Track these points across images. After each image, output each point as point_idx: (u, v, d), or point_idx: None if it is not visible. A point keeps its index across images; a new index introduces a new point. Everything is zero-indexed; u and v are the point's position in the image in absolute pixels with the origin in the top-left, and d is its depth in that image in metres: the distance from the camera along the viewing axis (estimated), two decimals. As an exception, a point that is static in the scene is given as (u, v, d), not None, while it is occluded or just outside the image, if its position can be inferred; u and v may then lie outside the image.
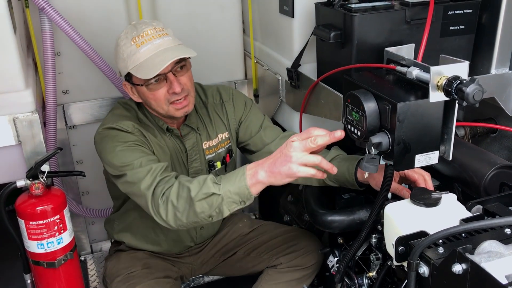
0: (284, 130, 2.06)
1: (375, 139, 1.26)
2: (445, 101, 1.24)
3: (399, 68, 1.36)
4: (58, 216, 1.76)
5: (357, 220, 1.61)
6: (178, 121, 1.87)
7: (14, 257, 1.90)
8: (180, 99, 1.72)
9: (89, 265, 2.60)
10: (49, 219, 1.74)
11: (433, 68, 1.18)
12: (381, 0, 1.63)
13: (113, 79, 2.16)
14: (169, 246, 2.04)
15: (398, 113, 1.20)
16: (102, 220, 2.48)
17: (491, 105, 1.70)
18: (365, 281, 1.63)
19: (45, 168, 1.76)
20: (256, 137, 1.95)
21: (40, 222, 1.73)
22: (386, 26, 1.55)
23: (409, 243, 1.13)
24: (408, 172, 1.53)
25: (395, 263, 1.20)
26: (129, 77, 1.74)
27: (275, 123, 2.18)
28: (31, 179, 1.73)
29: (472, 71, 1.68)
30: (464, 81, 1.14)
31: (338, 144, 1.79)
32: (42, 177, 1.74)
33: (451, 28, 1.61)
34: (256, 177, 1.41)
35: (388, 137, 1.25)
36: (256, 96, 2.53)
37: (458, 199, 1.27)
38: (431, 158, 1.29)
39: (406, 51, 1.47)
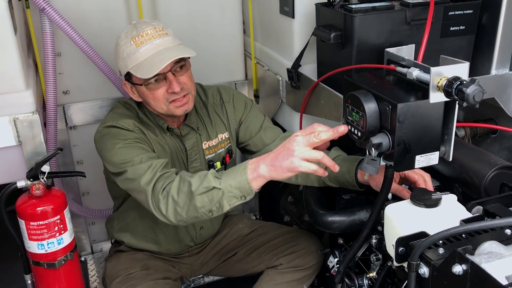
0: (284, 130, 2.06)
1: (375, 139, 1.26)
2: (445, 102, 1.24)
3: (399, 68, 1.37)
4: (58, 217, 1.76)
5: (357, 220, 1.61)
6: (178, 121, 1.87)
7: (15, 258, 1.90)
8: (179, 97, 1.72)
9: (90, 265, 2.60)
10: (49, 220, 1.74)
11: (433, 69, 1.18)
12: (382, 1, 1.63)
13: (113, 80, 2.16)
14: (168, 245, 2.04)
15: (399, 113, 1.20)
16: (103, 221, 2.49)
17: (491, 105, 1.70)
18: (365, 281, 1.63)
19: (46, 168, 1.76)
20: (256, 138, 1.95)
21: (41, 222, 1.73)
22: (386, 27, 1.55)
23: (409, 243, 1.13)
24: (408, 172, 1.53)
25: (395, 263, 1.20)
26: (128, 76, 1.75)
27: (275, 123, 2.18)
28: (31, 179, 1.73)
29: (472, 72, 1.68)
30: (464, 82, 1.14)
31: (338, 144, 1.80)
32: (42, 178, 1.74)
33: (451, 28, 1.61)
34: (257, 171, 1.41)
35: (388, 138, 1.25)
36: (256, 96, 2.53)
37: (458, 200, 1.27)
38: (431, 158, 1.29)
39: (406, 51, 1.47)
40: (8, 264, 2.70)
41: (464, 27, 1.62)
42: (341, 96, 1.64)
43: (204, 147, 1.93)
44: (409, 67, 1.33)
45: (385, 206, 1.29)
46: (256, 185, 1.43)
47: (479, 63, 1.70)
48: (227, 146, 1.99)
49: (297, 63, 1.95)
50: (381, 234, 1.48)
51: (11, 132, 1.78)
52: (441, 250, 1.05)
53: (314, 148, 1.36)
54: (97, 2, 2.16)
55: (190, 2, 2.33)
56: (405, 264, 1.14)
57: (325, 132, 1.34)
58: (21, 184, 1.74)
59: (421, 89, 1.26)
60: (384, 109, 1.25)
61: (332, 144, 1.77)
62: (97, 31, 2.16)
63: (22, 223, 1.74)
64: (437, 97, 1.20)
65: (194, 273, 2.18)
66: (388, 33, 1.56)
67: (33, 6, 1.98)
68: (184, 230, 2.02)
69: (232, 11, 2.43)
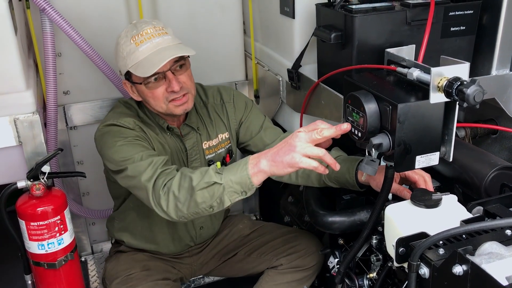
0: (284, 131, 2.06)
1: (376, 140, 1.26)
2: (446, 102, 1.24)
3: (399, 69, 1.37)
4: (58, 217, 1.76)
5: (357, 221, 1.61)
6: (178, 120, 1.87)
7: (15, 258, 1.91)
8: (179, 97, 1.72)
9: (90, 265, 2.60)
10: (49, 220, 1.74)
11: (434, 69, 1.18)
12: (382, 1, 1.63)
13: (114, 80, 2.17)
14: (168, 245, 2.04)
15: (399, 114, 1.20)
16: (103, 221, 2.49)
17: (491, 106, 1.70)
18: (366, 282, 1.63)
19: (46, 169, 1.76)
20: (256, 138, 1.95)
21: (41, 223, 1.73)
22: (386, 27, 1.55)
23: (409, 244, 1.13)
24: (408, 173, 1.53)
25: (395, 264, 1.20)
26: (128, 75, 1.75)
27: (276, 124, 2.18)
28: (31, 180, 1.73)
29: (472, 72, 1.67)
30: (465, 82, 1.14)
31: (339, 145, 1.80)
32: (42, 178, 1.74)
33: (452, 29, 1.61)
34: (258, 166, 1.41)
35: (389, 138, 1.25)
36: (256, 97, 2.53)
37: (459, 200, 1.27)
38: (432, 159, 1.29)
39: (406, 52, 1.47)
40: (8, 264, 2.70)
41: (464, 28, 1.62)
42: (342, 96, 1.64)
43: (204, 147, 1.93)
44: (409, 68, 1.33)
45: (386, 206, 1.29)
46: (257, 180, 1.43)
47: (480, 63, 1.69)
48: (227, 146, 1.99)
49: (297, 64, 1.95)
50: (381, 235, 1.48)
51: (12, 132, 1.78)
52: (441, 251, 1.05)
53: (316, 145, 1.36)
54: (97, 2, 2.16)
55: (191, 2, 2.33)
56: (405, 265, 1.13)
57: (327, 129, 1.34)
58: (21, 184, 1.74)
59: (421, 90, 1.26)
60: (384, 110, 1.25)
61: (332, 144, 1.78)
62: (97, 31, 2.16)
63: (22, 223, 1.74)
64: (437, 97, 1.20)
65: (194, 273, 2.18)
66: (388, 33, 1.56)
67: (33, 6, 1.98)
68: (184, 229, 2.02)
69: (232, 11, 2.43)
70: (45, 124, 2.07)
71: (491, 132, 1.92)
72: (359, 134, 1.32)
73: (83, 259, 2.63)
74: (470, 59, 1.68)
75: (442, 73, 1.18)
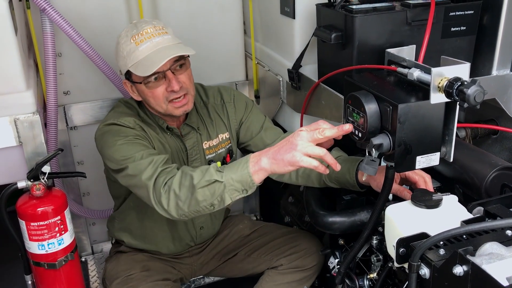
0: (285, 131, 2.06)
1: (376, 140, 1.25)
2: (446, 103, 1.23)
3: (400, 69, 1.36)
4: (59, 217, 1.76)
5: (358, 221, 1.61)
6: (178, 120, 1.87)
7: (15, 258, 1.90)
8: (179, 97, 1.72)
9: (90, 266, 2.60)
10: (50, 220, 1.74)
11: (434, 70, 1.18)
12: (382, 1, 1.63)
13: (114, 80, 2.16)
14: (168, 245, 2.04)
15: (399, 114, 1.20)
16: (103, 221, 2.49)
17: (492, 106, 1.70)
18: (366, 282, 1.62)
19: (46, 169, 1.76)
20: (256, 138, 1.95)
21: (41, 223, 1.73)
22: (387, 28, 1.55)
23: (410, 244, 1.13)
24: (408, 173, 1.53)
25: (396, 264, 1.20)
26: (128, 75, 1.76)
27: (276, 124, 2.18)
28: (32, 180, 1.73)
29: (473, 73, 1.67)
30: (465, 83, 1.14)
31: (339, 145, 1.80)
32: (43, 178, 1.74)
33: (452, 29, 1.61)
34: (259, 164, 1.41)
35: (389, 139, 1.25)
36: (257, 97, 2.53)
37: (459, 201, 1.27)
38: (432, 159, 1.29)
39: (407, 52, 1.47)
40: (8, 264, 2.71)
41: (465, 28, 1.62)
42: (342, 96, 1.64)
43: (204, 147, 1.93)
44: (410, 68, 1.33)
45: (386, 207, 1.29)
46: (258, 178, 1.43)
47: (480, 63, 1.69)
48: (227, 146, 1.99)
49: (297, 64, 1.95)
50: (381, 235, 1.48)
51: (12, 132, 1.78)
52: (442, 251, 1.05)
53: (318, 145, 1.36)
54: (98, 2, 2.16)
55: (191, 2, 2.33)
56: (405, 265, 1.13)
57: (329, 129, 1.34)
58: (21, 184, 1.74)
59: (422, 90, 1.26)
60: (385, 110, 1.25)
61: (332, 145, 1.77)
62: (97, 31, 2.16)
63: (22, 223, 1.74)
64: (438, 97, 1.20)
65: (195, 273, 2.18)
66: (389, 33, 1.56)
67: (33, 6, 1.98)
68: (184, 229, 2.02)
69: (232, 11, 2.43)
70: (45, 124, 2.07)
71: (491, 133, 1.92)
72: (360, 135, 1.32)
73: (83, 259, 2.63)
74: (470, 59, 1.68)
75: (443, 74, 1.18)
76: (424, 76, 1.26)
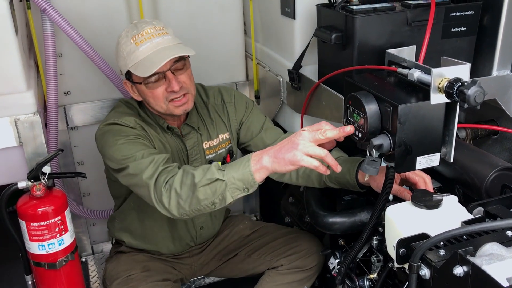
0: (285, 131, 2.06)
1: (376, 141, 1.25)
2: (447, 103, 1.23)
3: (400, 70, 1.36)
4: (59, 217, 1.76)
5: (358, 222, 1.61)
6: (178, 120, 1.87)
7: (15, 258, 1.90)
8: (179, 97, 1.72)
9: (90, 266, 2.60)
10: (50, 221, 1.74)
11: (435, 70, 1.18)
12: (383, 2, 1.63)
13: (114, 80, 2.17)
14: (168, 245, 2.04)
15: (400, 115, 1.20)
16: (103, 221, 2.49)
17: (492, 107, 1.70)
18: (366, 283, 1.62)
19: (46, 169, 1.76)
20: (257, 138, 1.96)
21: (41, 223, 1.73)
22: (387, 28, 1.55)
23: (410, 245, 1.13)
24: (408, 174, 1.53)
25: (396, 265, 1.20)
26: (129, 75, 1.76)
27: (276, 124, 2.18)
28: (32, 180, 1.73)
29: (473, 73, 1.67)
30: (466, 83, 1.14)
31: (339, 145, 1.80)
32: (43, 179, 1.74)
33: (453, 29, 1.61)
34: (260, 162, 1.41)
35: (389, 139, 1.25)
36: (257, 97, 2.53)
37: (460, 201, 1.27)
38: (432, 160, 1.29)
39: (407, 53, 1.47)
40: (8, 264, 2.70)
41: (465, 28, 1.62)
42: (342, 97, 1.64)
43: (205, 147, 1.93)
44: (410, 68, 1.33)
45: (386, 207, 1.29)
46: (259, 177, 1.43)
47: (480, 64, 1.69)
48: (228, 146, 1.99)
49: (298, 64, 1.95)
50: (382, 235, 1.48)
51: (12, 132, 1.78)
52: (442, 252, 1.05)
53: (320, 146, 1.36)
54: (98, 3, 2.16)
55: (191, 3, 2.33)
56: (406, 266, 1.13)
57: (331, 130, 1.34)
58: (22, 185, 1.74)
59: (422, 90, 1.26)
60: (385, 110, 1.25)
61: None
62: (98, 32, 2.16)
63: (23, 223, 1.74)
64: (438, 98, 1.20)
65: (195, 274, 2.18)
66: (389, 34, 1.56)
67: (34, 7, 1.99)
68: (184, 229, 2.02)
69: (233, 11, 2.43)
70: (45, 125, 2.07)
71: (491, 133, 1.92)
72: (360, 135, 1.32)
73: (83, 259, 2.63)
74: (470, 59, 1.68)
75: (443, 74, 1.18)
76: (425, 77, 1.26)
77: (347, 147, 1.77)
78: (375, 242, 1.50)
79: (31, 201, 1.74)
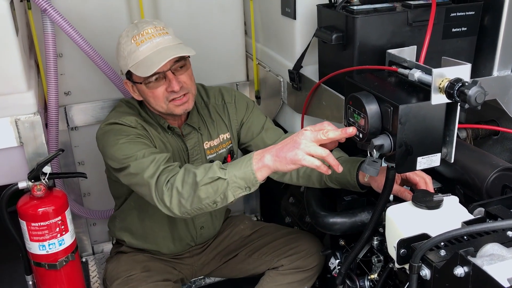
0: (285, 131, 2.06)
1: (377, 141, 1.25)
2: (447, 103, 1.23)
3: (401, 70, 1.36)
4: (59, 218, 1.76)
5: (358, 222, 1.60)
6: (179, 120, 1.88)
7: (16, 259, 1.91)
8: (179, 96, 1.72)
9: (91, 266, 2.60)
10: (50, 221, 1.74)
11: (435, 70, 1.18)
12: (383, 2, 1.63)
13: (115, 80, 2.17)
14: (168, 245, 2.04)
15: (400, 115, 1.20)
16: (104, 222, 2.49)
17: (493, 107, 1.70)
18: (367, 283, 1.62)
19: (47, 169, 1.76)
20: (257, 139, 1.96)
21: (42, 223, 1.73)
22: (388, 28, 1.55)
23: (410, 245, 1.13)
24: (409, 174, 1.53)
25: (396, 265, 1.20)
26: (129, 75, 1.76)
27: (277, 124, 2.18)
28: (32, 180, 1.73)
29: (474, 73, 1.67)
30: (466, 84, 1.14)
31: (340, 146, 1.79)
32: (43, 179, 1.74)
33: (453, 30, 1.61)
34: (262, 161, 1.41)
35: (390, 140, 1.25)
36: (257, 97, 2.53)
37: (460, 202, 1.27)
38: (433, 160, 1.29)
39: (408, 53, 1.47)
40: (9, 264, 2.70)
41: (466, 29, 1.62)
42: (343, 97, 1.63)
43: (205, 147, 1.93)
44: (410, 69, 1.33)
45: (387, 207, 1.28)
46: (261, 175, 1.43)
47: (481, 64, 1.69)
48: (228, 147, 1.99)
49: (298, 64, 1.95)
50: (382, 236, 1.48)
51: (13, 133, 1.78)
52: (442, 252, 1.05)
53: (322, 146, 1.36)
54: (99, 2, 2.16)
55: (192, 3, 2.33)
56: (406, 266, 1.13)
57: (333, 131, 1.34)
58: (22, 185, 1.74)
59: (422, 91, 1.26)
60: (385, 111, 1.25)
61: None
62: (98, 32, 2.16)
63: (23, 224, 1.75)
64: (439, 98, 1.19)
65: (195, 274, 2.18)
66: (389, 34, 1.56)
67: (34, 7, 1.99)
68: (184, 229, 2.02)
69: (233, 11, 2.43)
70: (46, 125, 2.07)
71: (492, 133, 1.92)
72: (360, 135, 1.32)
73: (84, 259, 2.64)
74: (471, 60, 1.67)
75: (444, 74, 1.18)
76: (425, 77, 1.26)
77: (348, 147, 1.77)
78: (375, 242, 1.50)
79: (31, 201, 1.74)
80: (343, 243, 1.78)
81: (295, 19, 1.94)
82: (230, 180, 1.43)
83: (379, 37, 1.55)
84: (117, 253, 2.08)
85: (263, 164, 1.41)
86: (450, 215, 1.21)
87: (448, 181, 1.58)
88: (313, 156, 1.35)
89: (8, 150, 1.81)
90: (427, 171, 1.43)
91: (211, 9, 2.38)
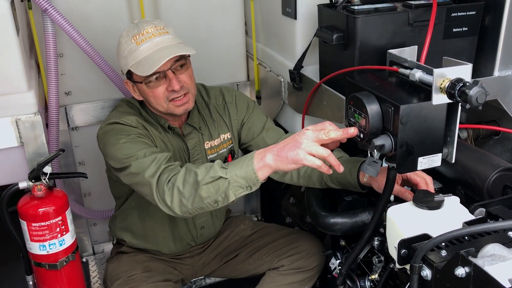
0: (286, 131, 2.06)
1: (378, 141, 1.25)
2: (448, 104, 1.23)
3: (402, 70, 1.36)
4: (60, 218, 1.76)
5: (359, 222, 1.60)
6: (180, 120, 1.87)
7: (16, 259, 1.90)
8: (179, 96, 1.72)
9: (91, 266, 2.60)
10: (51, 221, 1.74)
11: (436, 71, 1.18)
12: (384, 2, 1.63)
13: (115, 81, 2.17)
14: (169, 245, 2.04)
15: (401, 115, 1.20)
16: (104, 222, 2.49)
17: (494, 107, 1.70)
18: (367, 283, 1.62)
19: (47, 169, 1.76)
20: (258, 139, 1.95)
21: (42, 223, 1.73)
22: (389, 28, 1.55)
23: (411, 246, 1.13)
24: (410, 175, 1.53)
25: (397, 266, 1.20)
26: (129, 74, 1.76)
27: (277, 124, 2.18)
28: (33, 180, 1.73)
29: (475, 73, 1.67)
30: (467, 84, 1.14)
31: (341, 146, 1.79)
32: (44, 179, 1.74)
33: (454, 30, 1.61)
34: (263, 160, 1.41)
35: (391, 140, 1.25)
36: (258, 97, 2.53)
37: (461, 202, 1.27)
38: (434, 160, 1.29)
39: (409, 53, 1.47)
40: (9, 265, 2.71)
41: (467, 29, 1.62)
42: (344, 97, 1.63)
43: (206, 147, 1.93)
44: (411, 69, 1.32)
45: (388, 208, 1.28)
46: (262, 175, 1.43)
47: (482, 64, 1.69)
48: (229, 147, 1.99)
49: (299, 64, 1.95)
50: (383, 236, 1.47)
51: (13, 133, 1.78)
52: (443, 253, 1.05)
53: (324, 146, 1.36)
54: (99, 2, 2.16)
55: (192, 3, 2.33)
56: (407, 267, 1.13)
57: (334, 131, 1.34)
58: (23, 185, 1.74)
59: (423, 91, 1.26)
60: (386, 111, 1.24)
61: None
62: (99, 32, 2.16)
63: (23, 224, 1.74)
64: (440, 98, 1.19)
65: (196, 274, 2.18)
66: (390, 34, 1.56)
67: (35, 7, 1.99)
68: (185, 229, 2.02)
69: (234, 11, 2.43)
70: (46, 125, 2.07)
71: (493, 133, 1.92)
72: (361, 135, 1.31)
73: (84, 259, 2.63)
74: (472, 60, 1.67)
75: (445, 74, 1.18)
76: (426, 77, 1.26)
77: (348, 147, 1.77)
78: (376, 242, 1.50)
79: (32, 201, 1.74)
80: (343, 243, 1.78)
81: (295, 19, 1.94)
82: (231, 180, 1.43)
83: (380, 37, 1.55)
84: (117, 253, 2.08)
85: (264, 163, 1.41)
86: (451, 216, 1.21)
87: (449, 181, 1.58)
88: (314, 156, 1.35)
89: (8, 150, 1.81)
90: (427, 171, 1.43)
91: (212, 9, 2.38)
